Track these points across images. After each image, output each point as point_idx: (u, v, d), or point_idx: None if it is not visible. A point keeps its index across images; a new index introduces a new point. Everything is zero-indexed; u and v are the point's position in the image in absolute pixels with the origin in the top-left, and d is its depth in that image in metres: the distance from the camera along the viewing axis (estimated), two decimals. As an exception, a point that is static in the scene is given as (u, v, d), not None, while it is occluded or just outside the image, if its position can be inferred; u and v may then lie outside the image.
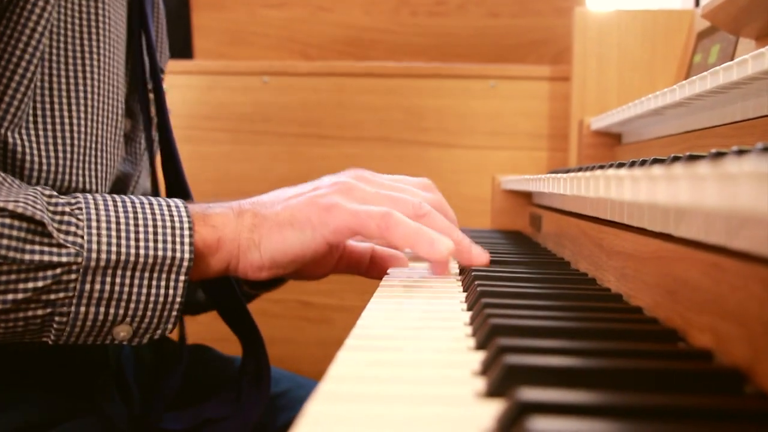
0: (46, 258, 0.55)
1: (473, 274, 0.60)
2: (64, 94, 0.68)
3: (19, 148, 0.65)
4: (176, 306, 0.59)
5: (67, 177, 0.68)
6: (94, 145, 0.71)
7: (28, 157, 0.65)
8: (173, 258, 0.59)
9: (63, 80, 0.68)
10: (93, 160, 0.71)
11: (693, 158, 0.46)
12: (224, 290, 0.78)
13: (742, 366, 0.32)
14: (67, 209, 0.57)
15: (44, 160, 0.66)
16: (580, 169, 0.74)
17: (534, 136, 1.54)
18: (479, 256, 0.65)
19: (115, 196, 0.61)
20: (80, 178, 0.69)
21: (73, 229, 0.56)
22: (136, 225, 0.58)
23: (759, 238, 0.31)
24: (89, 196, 0.59)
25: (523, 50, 1.75)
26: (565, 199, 0.78)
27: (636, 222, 0.51)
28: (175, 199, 0.62)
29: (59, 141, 0.67)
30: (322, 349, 1.55)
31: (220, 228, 0.62)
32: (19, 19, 0.64)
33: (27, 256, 0.54)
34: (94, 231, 0.57)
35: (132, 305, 0.58)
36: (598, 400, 0.28)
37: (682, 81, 0.74)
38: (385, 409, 0.30)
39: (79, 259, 0.56)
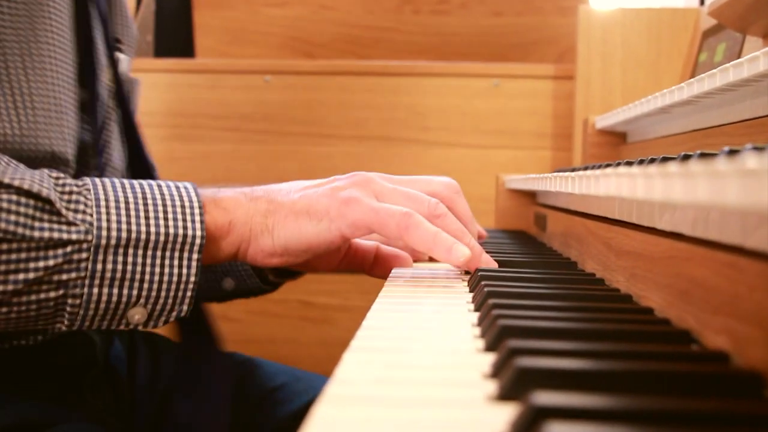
0: (55, 235, 0.54)
1: (480, 274, 0.59)
2: (18, 59, 0.66)
3: None
4: (191, 286, 0.58)
5: (33, 140, 0.67)
6: (55, 108, 0.69)
7: None
8: (185, 236, 0.58)
9: (15, 46, 0.67)
10: (56, 122, 0.69)
11: (706, 156, 0.45)
12: None
13: (761, 369, 0.31)
14: (75, 189, 0.56)
15: (7, 124, 0.65)
16: (586, 168, 0.73)
17: (538, 135, 1.53)
18: (488, 263, 0.65)
19: (123, 179, 0.60)
20: (47, 140, 0.68)
21: (81, 207, 0.55)
22: (146, 204, 0.58)
23: (778, 238, 0.30)
24: (96, 179, 0.59)
25: (526, 49, 1.74)
26: (572, 198, 0.77)
27: (646, 221, 0.50)
28: (185, 182, 0.61)
29: (20, 105, 0.66)
30: (323, 350, 1.54)
31: (232, 211, 0.62)
32: None
33: (36, 233, 0.53)
34: (103, 210, 0.56)
35: (146, 285, 0.57)
36: (615, 405, 0.27)
37: (689, 79, 0.73)
38: (393, 412, 0.29)
39: (89, 237, 0.55)
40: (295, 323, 1.57)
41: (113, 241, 0.55)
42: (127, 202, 0.57)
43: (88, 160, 0.76)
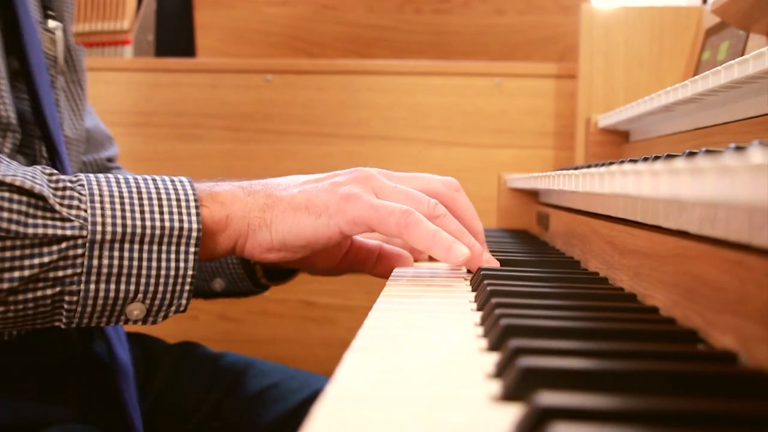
0: (50, 231, 0.53)
1: (482, 273, 0.58)
2: None
3: None
4: (188, 279, 0.58)
5: None
6: None
7: None
8: (181, 229, 0.57)
9: None
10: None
11: (712, 153, 0.44)
12: None
13: (770, 368, 0.31)
14: (68, 184, 0.56)
15: None
16: (589, 167, 0.72)
17: (540, 134, 1.52)
18: (489, 262, 0.64)
19: (117, 175, 0.60)
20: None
21: (75, 203, 0.55)
22: (140, 198, 0.57)
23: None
24: (90, 174, 0.58)
25: (528, 48, 1.73)
26: (575, 197, 0.77)
27: (651, 219, 0.50)
28: (180, 176, 0.61)
29: None
30: (325, 350, 1.54)
31: (229, 205, 0.61)
32: None
33: (30, 230, 0.53)
34: (97, 205, 0.55)
35: (143, 280, 0.56)
36: (621, 405, 0.26)
37: (692, 77, 0.73)
38: (395, 413, 0.28)
39: (84, 233, 0.54)
40: (296, 323, 1.57)
41: (108, 236, 0.55)
42: (121, 197, 0.57)
43: (32, 129, 0.74)
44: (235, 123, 1.57)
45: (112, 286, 0.56)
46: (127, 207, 0.56)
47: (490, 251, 0.67)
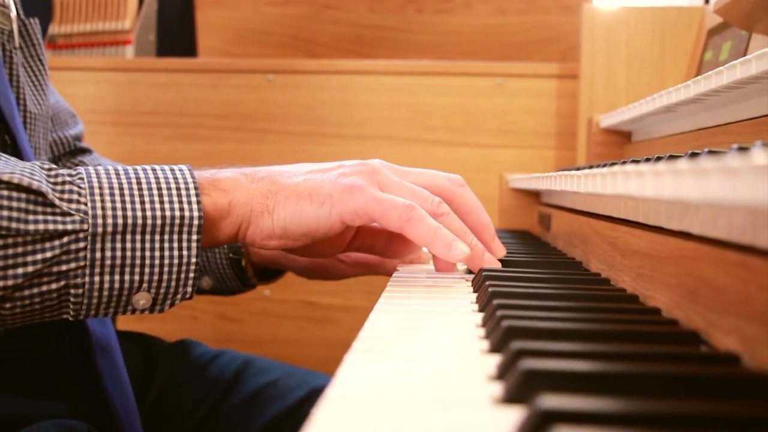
0: (50, 227, 0.53)
1: (484, 274, 0.58)
2: None
3: None
4: (192, 267, 0.58)
5: None
6: None
7: None
8: (182, 217, 0.57)
9: None
10: None
11: (714, 153, 0.44)
12: None
13: (773, 371, 0.30)
14: (67, 179, 0.56)
15: None
16: (591, 167, 0.72)
17: (541, 134, 1.52)
18: (491, 263, 0.64)
19: (117, 165, 0.60)
20: None
21: (75, 197, 0.55)
22: (140, 189, 0.57)
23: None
24: (90, 167, 0.58)
25: (530, 48, 1.73)
26: (576, 197, 0.77)
27: (653, 220, 0.49)
28: (180, 165, 0.61)
29: None
30: (326, 350, 1.54)
31: (231, 191, 0.61)
32: None
33: (31, 227, 0.53)
34: (97, 198, 0.55)
35: (147, 270, 0.57)
36: (623, 408, 0.26)
37: (694, 78, 0.72)
38: (396, 415, 0.28)
39: (85, 226, 0.54)
40: (297, 323, 1.56)
41: (110, 228, 0.55)
42: (121, 188, 0.57)
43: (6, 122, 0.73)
44: (237, 123, 1.57)
45: (117, 277, 0.56)
46: (127, 198, 0.56)
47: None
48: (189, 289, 0.59)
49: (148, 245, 0.56)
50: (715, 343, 0.37)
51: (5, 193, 0.52)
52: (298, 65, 1.59)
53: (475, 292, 0.57)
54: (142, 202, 0.57)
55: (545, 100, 1.51)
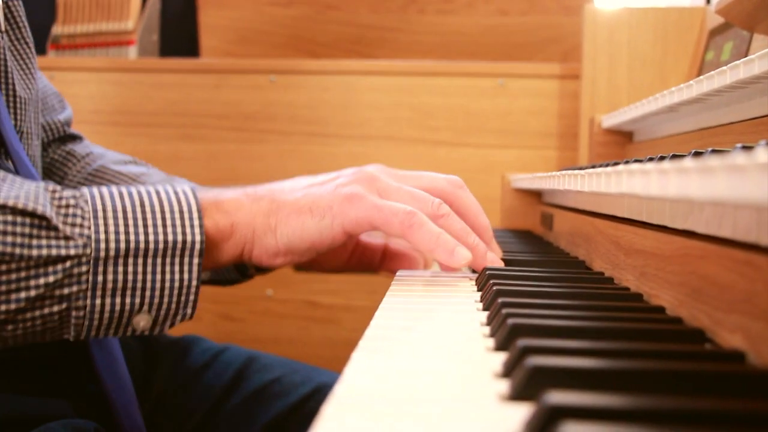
0: (54, 252, 0.54)
1: (488, 273, 0.58)
2: None
3: None
4: (193, 290, 0.58)
5: None
6: None
7: None
8: (184, 242, 0.58)
9: None
10: None
11: (718, 152, 0.44)
12: None
13: (778, 368, 0.31)
14: (71, 202, 0.56)
15: None
16: (593, 167, 0.72)
17: (543, 134, 1.52)
18: (493, 262, 0.64)
19: (121, 187, 0.60)
20: None
21: (78, 221, 0.55)
22: (143, 213, 0.58)
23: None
24: (94, 188, 0.59)
25: (532, 48, 1.73)
26: (579, 197, 0.77)
27: (657, 219, 0.50)
28: (184, 187, 0.61)
29: None
30: (328, 350, 1.54)
31: (233, 213, 0.62)
32: None
33: (35, 252, 0.53)
34: (101, 222, 0.56)
35: (148, 293, 0.57)
36: (630, 404, 0.26)
37: (696, 78, 0.73)
38: (403, 413, 0.28)
39: (88, 251, 0.55)
40: (300, 323, 1.57)
41: (112, 253, 0.56)
42: (125, 211, 0.57)
43: None
44: (239, 123, 1.57)
45: (118, 300, 0.56)
46: (131, 222, 0.57)
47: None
48: (189, 311, 0.59)
49: (149, 268, 0.57)
50: (720, 341, 0.37)
51: (9, 218, 0.53)
52: (300, 66, 1.59)
53: (479, 290, 0.57)
54: (145, 226, 0.57)
55: (547, 100, 1.51)
